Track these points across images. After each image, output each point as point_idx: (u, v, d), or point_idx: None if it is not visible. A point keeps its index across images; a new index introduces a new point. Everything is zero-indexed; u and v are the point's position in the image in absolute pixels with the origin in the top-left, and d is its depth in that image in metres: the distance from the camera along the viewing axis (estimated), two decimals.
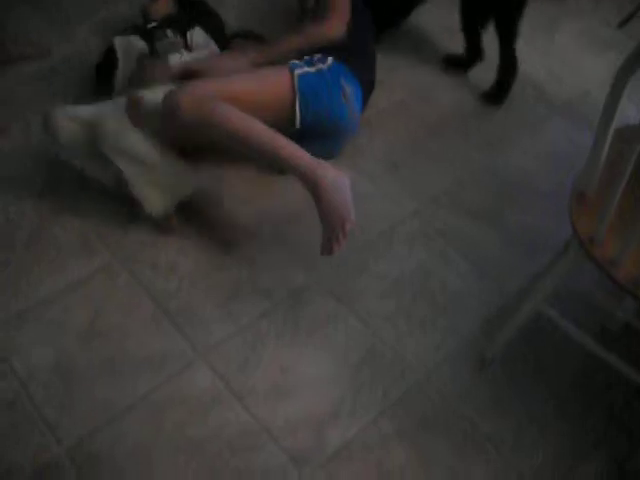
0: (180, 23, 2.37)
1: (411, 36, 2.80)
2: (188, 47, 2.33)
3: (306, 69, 2.11)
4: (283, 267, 1.95)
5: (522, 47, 2.78)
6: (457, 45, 2.66)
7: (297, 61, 2.14)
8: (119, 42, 2.31)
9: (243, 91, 2.02)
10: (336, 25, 2.19)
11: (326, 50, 2.17)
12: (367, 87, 2.25)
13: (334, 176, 1.78)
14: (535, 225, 2.13)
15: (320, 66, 2.12)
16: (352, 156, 2.27)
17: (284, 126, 2.05)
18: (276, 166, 1.99)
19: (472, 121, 2.47)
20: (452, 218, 2.13)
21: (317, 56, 2.15)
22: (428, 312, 1.88)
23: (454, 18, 2.52)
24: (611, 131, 1.28)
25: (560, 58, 2.81)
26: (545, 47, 2.86)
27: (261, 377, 1.70)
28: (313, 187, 1.77)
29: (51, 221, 1.98)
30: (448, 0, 2.59)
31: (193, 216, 2.05)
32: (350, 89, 2.12)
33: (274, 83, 2.09)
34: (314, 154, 2.12)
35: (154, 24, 2.35)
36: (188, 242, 1.99)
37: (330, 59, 2.15)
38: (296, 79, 2.06)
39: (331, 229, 1.76)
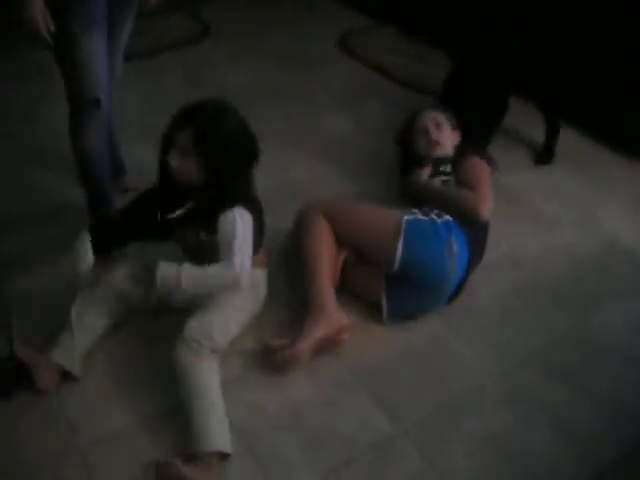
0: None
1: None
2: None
3: (419, 216, 2.21)
4: (367, 415, 1.96)
5: (619, 217, 2.82)
6: None
7: (415, 209, 2.25)
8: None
9: (357, 211, 2.27)
10: (488, 211, 2.30)
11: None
12: (475, 259, 2.30)
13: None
14: (626, 392, 2.08)
15: (434, 217, 2.21)
16: (445, 313, 2.30)
17: (384, 262, 2.18)
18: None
19: (562, 284, 2.48)
20: (540, 381, 2.10)
21: (435, 211, 2.25)
22: (512, 477, 1.83)
23: None
24: None
25: None
26: None
27: None
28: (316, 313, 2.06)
29: None
30: None
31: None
32: (457, 248, 2.17)
33: (385, 216, 2.23)
34: (405, 305, 2.21)
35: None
36: (274, 384, 2.03)
37: (448, 216, 2.22)
38: (404, 220, 2.17)
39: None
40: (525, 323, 2.30)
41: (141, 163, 2.80)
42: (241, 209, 1.92)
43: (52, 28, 1.95)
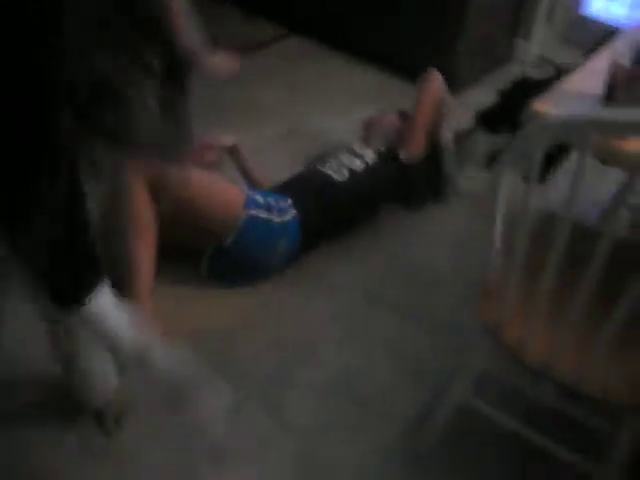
0: None
1: None
2: None
3: (261, 213, 2.16)
4: (209, 384, 1.91)
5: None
6: None
7: (259, 198, 2.19)
8: None
9: (199, 185, 2.08)
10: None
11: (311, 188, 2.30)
12: (309, 247, 2.32)
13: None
14: (453, 314, 2.19)
15: (274, 217, 2.18)
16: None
17: (212, 239, 2.16)
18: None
19: (380, 218, 2.57)
20: (372, 315, 2.18)
21: (285, 204, 2.22)
22: (358, 414, 1.88)
23: None
24: (499, 220, 1.34)
25: None
26: None
27: None
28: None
29: None
30: None
31: None
32: (284, 247, 2.21)
33: (228, 198, 2.16)
34: (228, 275, 2.22)
35: None
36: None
37: (291, 214, 2.21)
38: (244, 214, 2.13)
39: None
40: (349, 260, 2.38)
41: None
42: None
43: None
